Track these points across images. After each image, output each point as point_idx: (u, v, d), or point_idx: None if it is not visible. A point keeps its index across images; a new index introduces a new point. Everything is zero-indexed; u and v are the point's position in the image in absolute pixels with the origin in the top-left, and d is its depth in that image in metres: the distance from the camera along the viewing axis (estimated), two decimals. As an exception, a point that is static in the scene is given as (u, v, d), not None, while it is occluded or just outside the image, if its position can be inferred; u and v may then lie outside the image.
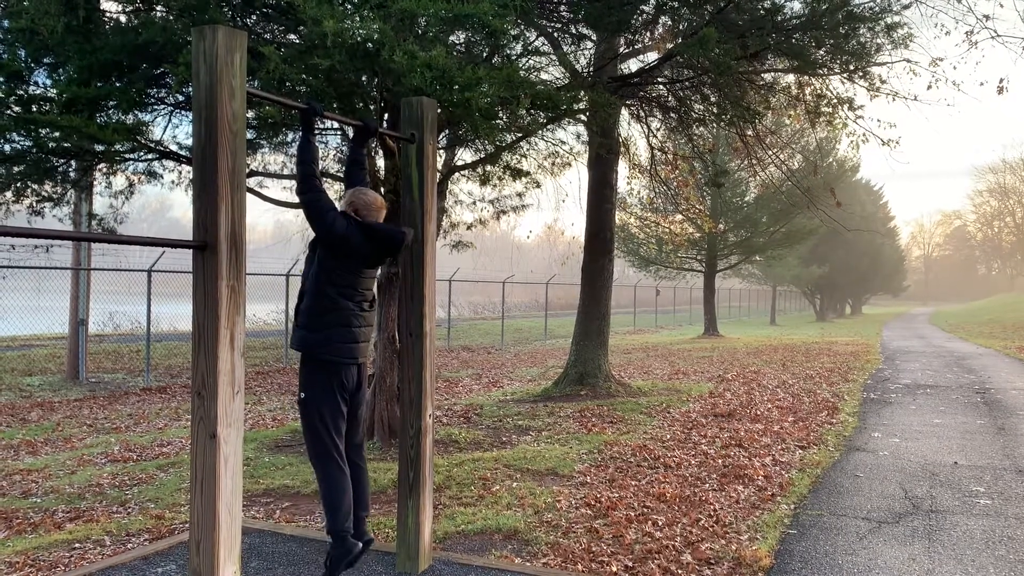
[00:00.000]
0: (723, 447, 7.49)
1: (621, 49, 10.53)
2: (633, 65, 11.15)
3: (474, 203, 11.64)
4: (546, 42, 9.64)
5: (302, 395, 3.69)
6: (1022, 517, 5.32)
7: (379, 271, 3.90)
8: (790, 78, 10.12)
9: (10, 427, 8.87)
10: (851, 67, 8.78)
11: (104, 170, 7.97)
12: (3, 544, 4.79)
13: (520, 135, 7.57)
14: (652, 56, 10.08)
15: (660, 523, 5.09)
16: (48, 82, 6.22)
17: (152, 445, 7.80)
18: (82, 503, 5.71)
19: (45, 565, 4.39)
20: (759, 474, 6.41)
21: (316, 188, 3.61)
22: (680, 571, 4.28)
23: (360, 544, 3.73)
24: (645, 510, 5.39)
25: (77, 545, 4.73)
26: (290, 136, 8.12)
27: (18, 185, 6.96)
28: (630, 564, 4.37)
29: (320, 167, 3.83)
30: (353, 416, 3.84)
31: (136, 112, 6.50)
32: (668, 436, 8.01)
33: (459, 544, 4.69)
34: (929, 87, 10.54)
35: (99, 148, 6.53)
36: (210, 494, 2.86)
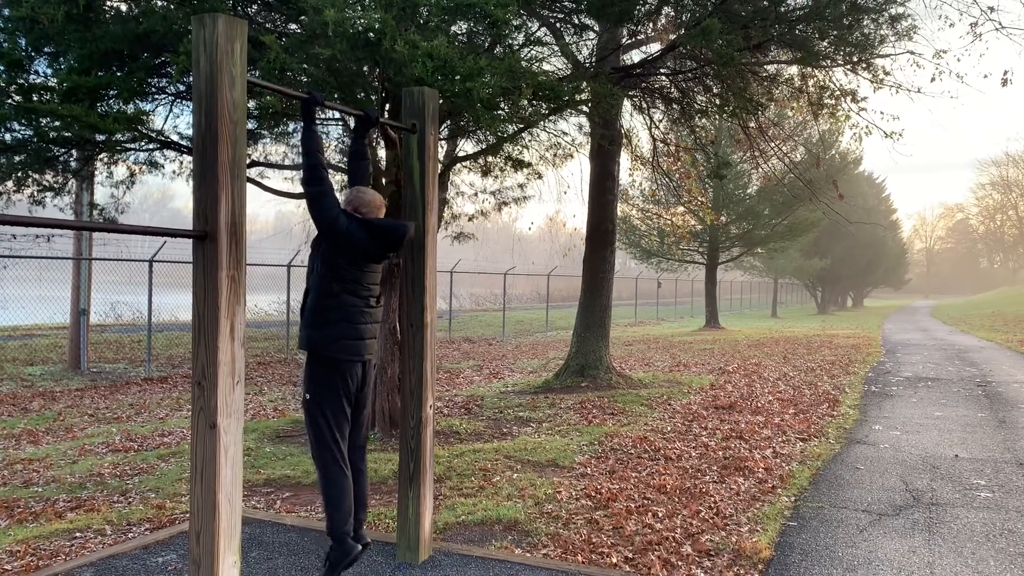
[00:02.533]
0: (724, 439, 7.49)
1: (623, 40, 10.49)
2: (636, 56, 11.12)
3: (475, 194, 11.62)
4: (548, 32, 9.61)
5: (307, 396, 3.66)
6: (1022, 510, 5.31)
7: (382, 268, 3.85)
8: (793, 70, 10.09)
9: (12, 416, 8.88)
10: (854, 59, 8.74)
11: (105, 160, 7.96)
12: (4, 533, 4.80)
13: (522, 126, 7.54)
14: (655, 47, 10.05)
15: (660, 515, 5.09)
16: (49, 71, 6.20)
17: (153, 435, 7.81)
18: (83, 492, 5.72)
19: (46, 554, 4.40)
20: (760, 466, 6.41)
21: (322, 180, 3.57)
22: (680, 563, 4.28)
23: (359, 547, 3.71)
24: (645, 501, 5.39)
25: (78, 534, 4.74)
26: (291, 126, 8.09)
27: (19, 175, 6.95)
28: (630, 555, 4.37)
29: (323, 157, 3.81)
30: (357, 417, 3.80)
31: (137, 101, 6.48)
32: (669, 428, 8.01)
33: (459, 535, 4.69)
34: (933, 79, 10.50)
35: (100, 137, 6.51)
36: (210, 484, 2.86)
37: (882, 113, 17.17)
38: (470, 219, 11.50)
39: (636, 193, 23.63)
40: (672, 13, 8.34)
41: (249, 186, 6.59)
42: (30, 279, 14.88)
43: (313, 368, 3.66)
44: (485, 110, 5.51)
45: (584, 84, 7.29)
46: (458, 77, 5.20)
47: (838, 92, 9.85)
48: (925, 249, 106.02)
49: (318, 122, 8.68)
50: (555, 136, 10.28)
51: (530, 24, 8.69)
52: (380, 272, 3.85)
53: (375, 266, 3.80)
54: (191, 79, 3.01)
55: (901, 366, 14.37)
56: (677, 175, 14.62)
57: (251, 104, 6.95)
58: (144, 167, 8.24)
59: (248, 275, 3.06)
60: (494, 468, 6.26)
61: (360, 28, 5.14)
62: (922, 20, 15.29)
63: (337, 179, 9.25)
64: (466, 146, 9.36)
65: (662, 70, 9.38)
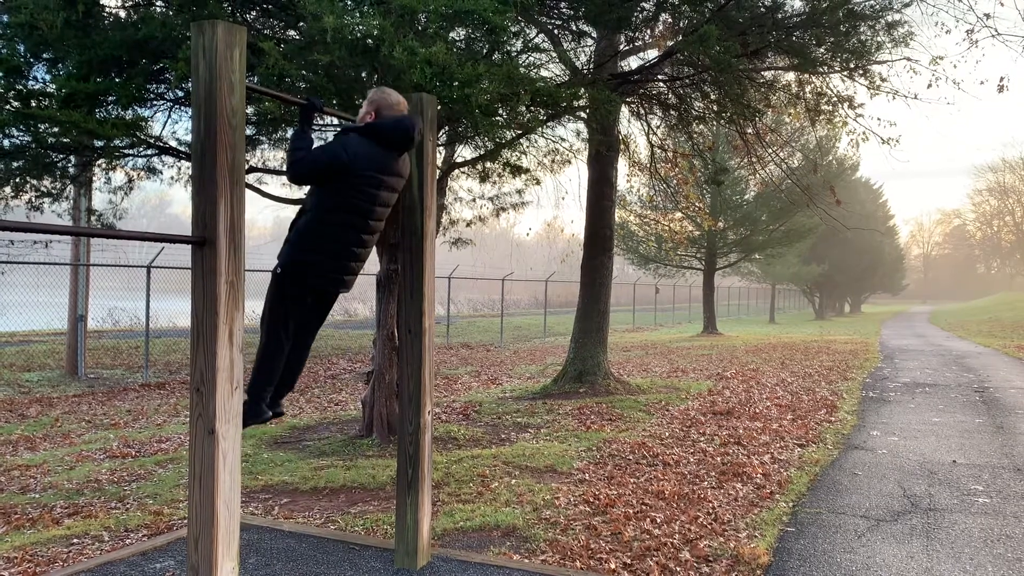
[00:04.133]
0: (722, 445, 7.49)
1: (621, 46, 10.53)
2: (633, 62, 11.15)
3: (474, 200, 11.64)
4: (546, 39, 9.64)
5: (278, 270, 3.57)
6: (1020, 515, 5.32)
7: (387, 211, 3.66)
8: (790, 76, 10.12)
9: (9, 423, 8.86)
10: (851, 65, 8.78)
11: (103, 165, 7.97)
12: (1, 539, 4.78)
13: (520, 132, 7.56)
14: (652, 53, 10.08)
15: (659, 520, 5.09)
16: (47, 77, 6.22)
17: (151, 441, 7.80)
18: (80, 499, 5.70)
19: (43, 560, 4.39)
20: (758, 472, 6.41)
21: (299, 159, 3.44)
22: (679, 568, 4.28)
23: (270, 413, 3.72)
24: (644, 507, 5.39)
25: (75, 540, 4.73)
26: (290, 132, 8.11)
27: (17, 180, 6.96)
28: (628, 561, 4.37)
29: None
30: (319, 314, 3.79)
31: (135, 107, 6.49)
32: (667, 434, 8.01)
33: (458, 541, 4.69)
34: (929, 86, 10.54)
35: (98, 143, 6.53)
36: (208, 490, 2.86)
37: (879, 119, 17.23)
38: (468, 225, 11.52)
39: (634, 199, 23.67)
40: (670, 20, 8.38)
41: (248, 192, 6.60)
42: (27, 284, 14.87)
43: (289, 272, 3.56)
44: (483, 116, 5.53)
45: (582, 90, 7.31)
46: (456, 83, 5.22)
47: (835, 98, 9.88)
48: (922, 255, 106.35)
49: (316, 128, 8.71)
50: (553, 142, 10.30)
51: (528, 31, 8.72)
52: (386, 209, 3.70)
53: (384, 196, 3.62)
54: (190, 85, 3.02)
55: (899, 372, 14.38)
56: (675, 181, 14.64)
57: (250, 110, 6.97)
58: (142, 173, 8.25)
59: (246, 281, 3.06)
60: (492, 474, 6.25)
61: (359, 34, 5.16)
62: (918, 27, 15.33)
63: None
64: (464, 152, 9.38)
65: (660, 76, 9.42)
